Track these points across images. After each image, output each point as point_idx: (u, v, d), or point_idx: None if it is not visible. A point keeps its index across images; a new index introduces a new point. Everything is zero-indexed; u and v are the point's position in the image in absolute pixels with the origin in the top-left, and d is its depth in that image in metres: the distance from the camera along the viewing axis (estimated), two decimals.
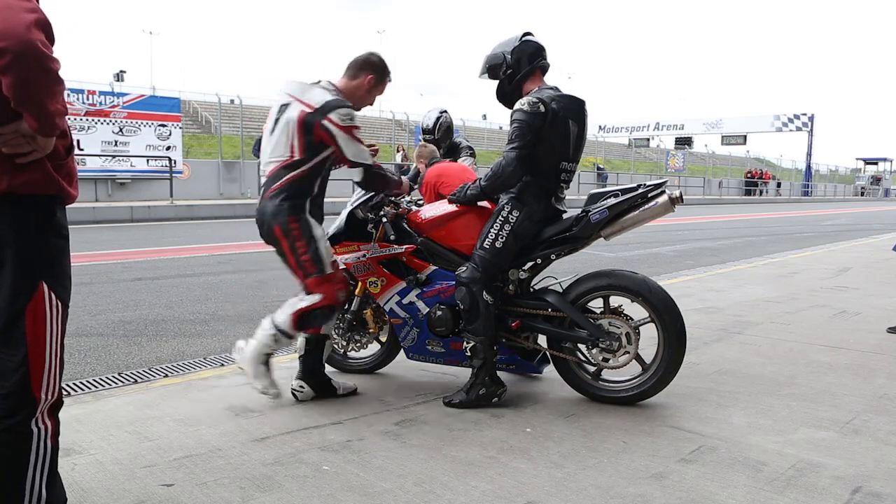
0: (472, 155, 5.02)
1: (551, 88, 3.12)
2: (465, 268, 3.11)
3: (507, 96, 3.21)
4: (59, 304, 1.79)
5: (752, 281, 7.16)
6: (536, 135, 3.01)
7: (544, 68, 3.21)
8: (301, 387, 3.20)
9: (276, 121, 2.97)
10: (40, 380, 1.76)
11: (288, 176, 2.93)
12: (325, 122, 2.88)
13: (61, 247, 1.80)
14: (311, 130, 2.89)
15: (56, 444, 1.85)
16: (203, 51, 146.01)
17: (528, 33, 3.22)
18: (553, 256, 3.22)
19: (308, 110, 2.89)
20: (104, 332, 4.69)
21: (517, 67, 3.15)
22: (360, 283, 3.39)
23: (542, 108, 3.00)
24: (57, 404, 1.84)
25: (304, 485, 2.34)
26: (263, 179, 3.03)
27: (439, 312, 3.21)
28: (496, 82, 3.24)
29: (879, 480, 2.43)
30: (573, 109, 3.10)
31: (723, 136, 47.97)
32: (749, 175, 45.81)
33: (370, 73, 3.10)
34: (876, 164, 61.52)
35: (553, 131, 3.04)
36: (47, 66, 1.55)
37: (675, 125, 51.19)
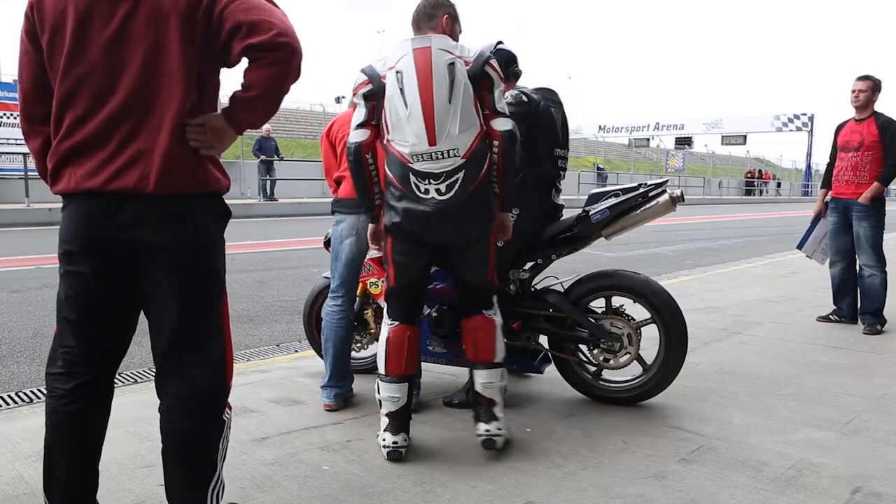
0: None
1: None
2: None
3: None
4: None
5: (752, 281, 7.17)
6: (526, 125, 3.03)
7: (517, 75, 3.29)
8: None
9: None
10: (232, 368, 1.84)
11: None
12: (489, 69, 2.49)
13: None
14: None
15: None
16: None
17: (500, 42, 3.26)
18: (554, 256, 3.22)
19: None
20: None
21: None
22: (360, 284, 3.38)
23: (524, 98, 3.08)
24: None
25: (304, 485, 2.34)
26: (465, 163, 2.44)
27: (440, 313, 3.20)
28: None
29: (879, 480, 2.43)
30: (549, 98, 3.21)
31: (723, 136, 47.88)
32: (748, 175, 45.75)
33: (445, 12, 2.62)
34: None
35: (542, 117, 3.12)
36: (299, 72, 1.64)
37: (675, 125, 51.13)
